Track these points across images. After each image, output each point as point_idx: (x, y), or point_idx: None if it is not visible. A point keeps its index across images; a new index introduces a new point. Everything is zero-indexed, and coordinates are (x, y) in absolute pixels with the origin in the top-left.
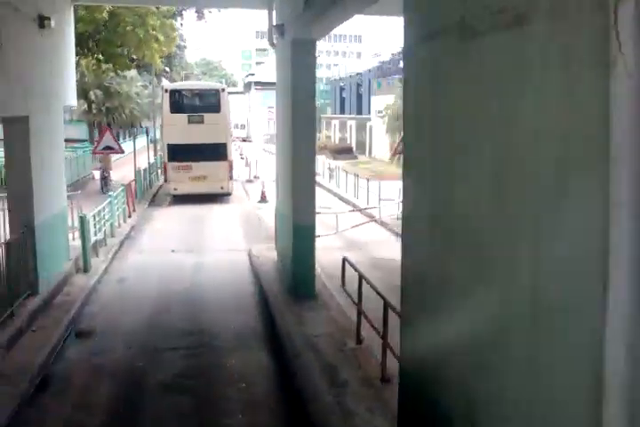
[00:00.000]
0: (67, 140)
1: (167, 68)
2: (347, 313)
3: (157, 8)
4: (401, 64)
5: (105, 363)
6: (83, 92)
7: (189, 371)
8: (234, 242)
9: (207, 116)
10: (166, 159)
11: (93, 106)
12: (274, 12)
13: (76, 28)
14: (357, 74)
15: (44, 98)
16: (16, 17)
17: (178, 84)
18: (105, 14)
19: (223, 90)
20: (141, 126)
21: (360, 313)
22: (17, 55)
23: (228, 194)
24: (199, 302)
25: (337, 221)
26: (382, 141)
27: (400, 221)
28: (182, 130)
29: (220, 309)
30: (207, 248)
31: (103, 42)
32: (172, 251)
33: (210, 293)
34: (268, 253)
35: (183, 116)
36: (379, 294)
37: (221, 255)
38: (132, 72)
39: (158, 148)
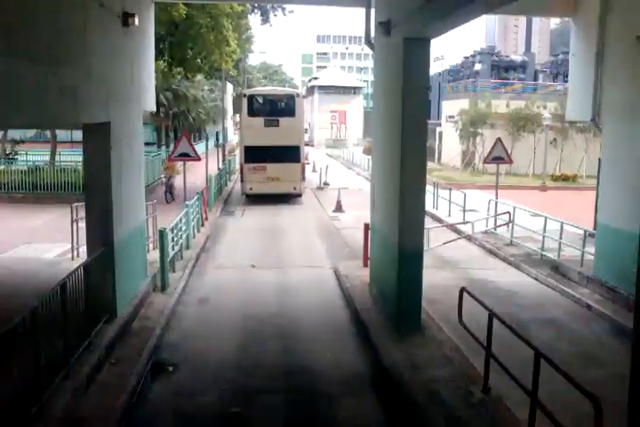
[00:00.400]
0: None
1: (233, 72)
2: (462, 350)
3: (231, 8)
4: (476, 67)
5: (195, 408)
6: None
7: (297, 424)
8: (315, 257)
9: (282, 120)
10: (243, 160)
11: (162, 109)
12: (372, 10)
13: None
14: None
15: (126, 102)
16: (100, 13)
17: (256, 90)
18: (182, 11)
19: (298, 95)
20: (205, 131)
21: (489, 358)
22: (100, 55)
23: (299, 195)
24: (290, 331)
25: (427, 237)
26: (453, 148)
27: (490, 236)
28: (259, 133)
29: (314, 340)
30: (288, 263)
31: (175, 45)
32: (252, 266)
33: (300, 320)
34: (357, 271)
35: (260, 120)
36: (521, 338)
37: (305, 273)
38: (199, 75)
39: (226, 152)
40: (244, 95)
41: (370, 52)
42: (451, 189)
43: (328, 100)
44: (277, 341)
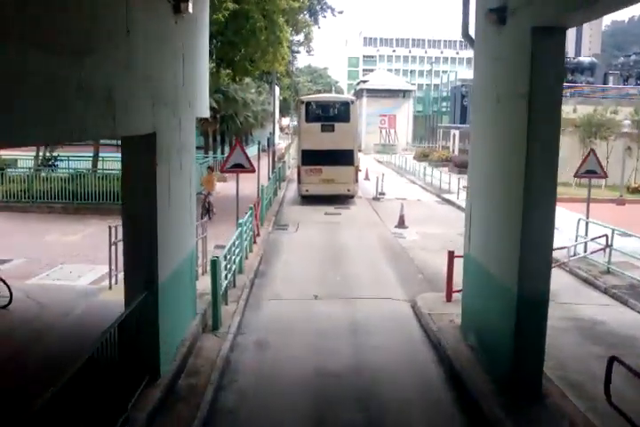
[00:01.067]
0: None
1: (282, 76)
2: None
3: (287, 3)
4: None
5: None
6: None
7: None
8: (385, 284)
9: (338, 125)
10: (300, 163)
11: (210, 113)
12: None
13: None
14: None
15: (176, 107)
16: None
17: (313, 97)
18: (230, 5)
19: (353, 102)
20: (251, 135)
21: None
22: (145, 47)
23: (352, 196)
24: (373, 395)
25: None
26: None
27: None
28: (315, 137)
29: (405, 412)
30: (354, 292)
31: (225, 44)
32: (315, 297)
33: (383, 379)
34: (441, 308)
35: (317, 125)
36: None
37: (376, 306)
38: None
39: (276, 158)
40: (302, 102)
41: (418, 53)
42: None
43: (377, 104)
44: (359, 410)
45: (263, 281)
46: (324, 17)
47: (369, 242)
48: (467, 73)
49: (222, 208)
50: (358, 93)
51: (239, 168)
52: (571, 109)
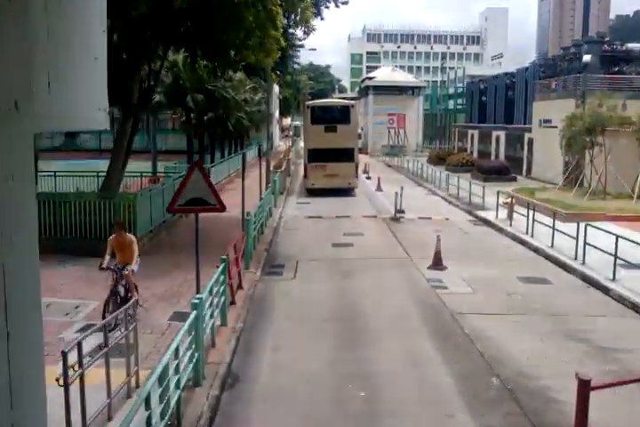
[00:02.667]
0: (166, 152)
1: (279, 72)
2: None
3: None
4: (585, 58)
5: None
6: (178, 98)
7: None
8: (440, 406)
9: (340, 127)
10: (306, 160)
11: (193, 115)
12: None
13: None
14: (507, 74)
15: None
16: None
17: (317, 102)
18: None
19: (353, 106)
20: (248, 137)
21: None
22: None
23: (353, 189)
24: None
25: None
26: (549, 160)
27: None
28: (320, 137)
29: None
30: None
31: (200, 27)
32: None
33: None
34: None
35: (321, 127)
36: None
37: None
38: (240, 74)
39: (272, 165)
40: (308, 106)
41: (423, 49)
42: (584, 225)
43: (384, 102)
44: None
45: (233, 407)
46: (327, 8)
47: (397, 301)
48: (475, 69)
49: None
50: (363, 91)
51: (199, 206)
52: (619, 105)
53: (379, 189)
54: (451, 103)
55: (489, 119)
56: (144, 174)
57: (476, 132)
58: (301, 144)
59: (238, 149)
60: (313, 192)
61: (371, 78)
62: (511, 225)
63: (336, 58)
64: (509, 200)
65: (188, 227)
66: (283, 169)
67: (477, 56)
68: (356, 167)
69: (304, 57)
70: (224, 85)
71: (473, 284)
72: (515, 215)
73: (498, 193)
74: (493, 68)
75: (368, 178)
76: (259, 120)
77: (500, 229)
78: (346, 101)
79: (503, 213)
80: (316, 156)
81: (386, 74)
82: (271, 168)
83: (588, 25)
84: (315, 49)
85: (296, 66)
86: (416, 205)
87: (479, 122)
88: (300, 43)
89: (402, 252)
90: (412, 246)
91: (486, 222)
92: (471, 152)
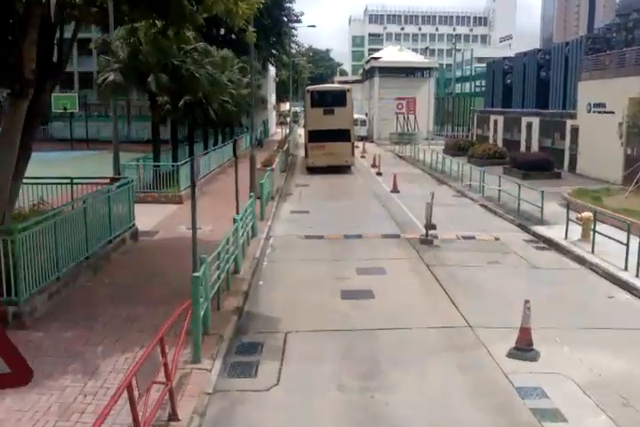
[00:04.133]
0: (128, 142)
1: (275, 51)
2: None
3: None
4: None
5: None
6: (139, 77)
7: None
8: None
9: (336, 110)
10: (307, 141)
11: (162, 99)
12: None
13: None
14: (539, 50)
15: None
16: None
17: (316, 87)
18: None
19: (348, 90)
20: (241, 124)
21: None
22: None
23: (349, 166)
24: None
25: None
26: (603, 152)
27: None
28: (319, 119)
29: None
30: None
31: None
32: None
33: None
34: None
35: (320, 110)
36: None
37: None
38: (226, 51)
39: (260, 162)
40: (307, 91)
41: (428, 31)
42: None
43: (391, 85)
44: None
45: None
46: None
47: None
48: (483, 51)
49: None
50: (368, 73)
51: None
52: None
53: (395, 190)
54: (459, 87)
55: (516, 103)
56: (75, 181)
57: (500, 119)
58: (299, 131)
59: (227, 138)
60: (313, 171)
61: (376, 59)
62: (593, 252)
63: (336, 42)
64: (586, 216)
65: (137, 260)
66: (274, 167)
67: (485, 38)
68: (352, 146)
69: (302, 38)
70: (201, 63)
71: (604, 402)
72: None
73: (567, 207)
74: (502, 49)
75: (379, 174)
76: (249, 105)
77: (580, 260)
78: (342, 86)
79: (572, 228)
80: (315, 136)
81: (393, 54)
82: (259, 166)
83: (595, 10)
84: (314, 26)
85: (294, 46)
86: (447, 215)
87: (503, 106)
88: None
89: (453, 311)
90: (466, 297)
91: (553, 245)
92: (494, 141)
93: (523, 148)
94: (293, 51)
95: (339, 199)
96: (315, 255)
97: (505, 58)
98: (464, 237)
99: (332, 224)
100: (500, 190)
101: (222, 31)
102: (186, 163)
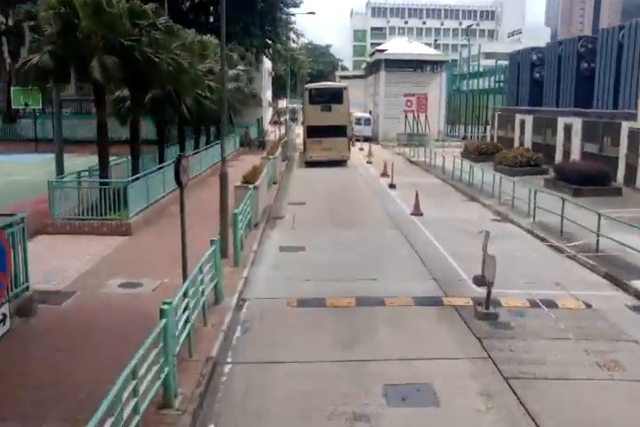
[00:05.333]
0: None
1: (270, 40)
2: None
3: None
4: None
5: None
6: (77, 61)
7: None
8: None
9: (334, 106)
10: (305, 136)
11: (120, 93)
12: None
13: None
14: (581, 38)
15: None
16: None
17: (314, 85)
18: None
19: (345, 88)
20: (233, 123)
21: None
22: None
23: (345, 161)
24: None
25: None
26: None
27: None
28: (317, 116)
29: None
30: None
31: None
32: None
33: None
34: None
35: (317, 107)
36: None
37: None
38: (207, 37)
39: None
40: (306, 89)
41: (433, 24)
42: None
43: (399, 80)
44: None
45: None
46: None
47: None
48: (490, 46)
49: None
50: (372, 67)
51: None
52: None
53: (416, 212)
54: (467, 84)
55: (548, 101)
56: None
57: (528, 119)
58: (298, 130)
59: (212, 140)
60: (312, 165)
61: (382, 51)
62: None
63: (336, 39)
64: None
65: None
66: (257, 184)
67: (492, 33)
68: (349, 142)
69: (300, 27)
70: (167, 46)
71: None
72: None
73: None
74: (511, 44)
75: (392, 187)
76: (238, 100)
77: None
78: (339, 84)
79: None
80: (313, 132)
81: (400, 45)
82: (239, 182)
83: (600, 10)
84: (313, 13)
85: (292, 36)
86: (497, 254)
87: (531, 104)
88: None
89: None
90: None
91: None
92: (521, 144)
93: (559, 154)
94: (293, 45)
95: (345, 226)
96: (311, 348)
97: (533, 48)
98: (539, 303)
99: (338, 273)
100: (562, 217)
101: (211, 19)
102: (138, 179)
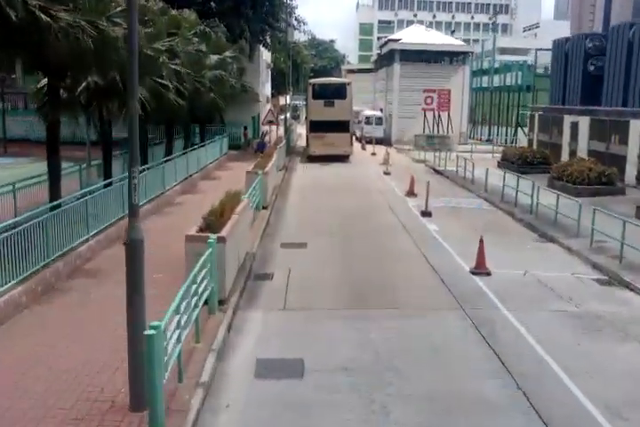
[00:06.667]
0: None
1: (268, 26)
2: None
3: None
4: None
5: None
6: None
7: None
8: None
9: (336, 102)
10: (308, 132)
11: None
12: None
13: None
14: None
15: None
16: None
17: (318, 80)
18: None
19: (349, 84)
20: (223, 122)
21: None
22: None
23: (347, 156)
24: None
25: None
26: None
27: None
28: (320, 111)
29: None
30: None
31: None
32: None
33: None
34: None
35: (321, 102)
36: None
37: None
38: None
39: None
40: (310, 84)
41: (444, 18)
42: None
43: (416, 73)
44: None
45: None
46: None
47: None
48: (504, 41)
49: None
50: (384, 59)
51: None
52: None
53: (481, 269)
54: (481, 80)
55: (611, 99)
56: None
57: (583, 121)
58: (300, 130)
59: (199, 140)
60: (314, 160)
61: (396, 40)
62: None
63: (340, 35)
64: None
65: None
66: (224, 235)
67: (505, 27)
68: (351, 137)
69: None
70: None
71: None
72: None
73: None
74: (526, 39)
75: (427, 215)
76: (224, 95)
77: None
78: (342, 80)
79: None
80: (316, 127)
81: (417, 34)
82: (201, 219)
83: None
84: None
85: (294, 21)
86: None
87: (584, 102)
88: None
89: None
90: None
91: None
92: (572, 153)
93: (631, 168)
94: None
95: (374, 302)
96: None
97: (588, 35)
98: None
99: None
100: None
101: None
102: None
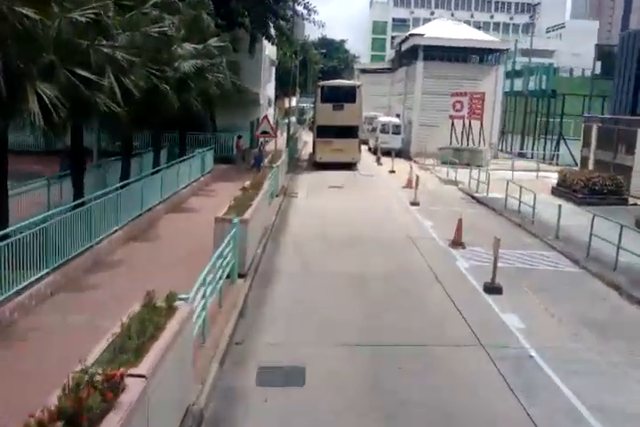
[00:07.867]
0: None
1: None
2: None
3: None
4: None
5: None
6: None
7: None
8: None
9: (346, 106)
10: (315, 136)
11: None
12: None
13: None
14: None
15: None
16: None
17: (327, 82)
18: None
19: (359, 86)
20: (215, 129)
21: None
22: None
23: (355, 164)
24: None
25: None
26: None
27: None
28: (328, 115)
29: None
30: None
31: None
32: None
33: None
34: None
35: (329, 105)
36: None
37: None
38: None
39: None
40: (318, 86)
41: (462, 17)
42: None
43: (442, 74)
44: None
45: None
46: None
47: None
48: (526, 43)
49: None
50: (404, 57)
51: None
52: None
53: None
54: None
55: None
56: None
57: None
58: (306, 138)
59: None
60: (320, 167)
61: (418, 35)
62: None
63: (351, 36)
64: None
65: None
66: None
67: (527, 27)
68: (359, 144)
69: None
70: None
71: None
72: None
73: None
74: (550, 40)
75: (493, 291)
76: (207, 97)
77: None
78: (352, 82)
79: None
80: (324, 132)
81: (443, 28)
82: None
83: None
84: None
85: (303, 11)
86: None
87: None
88: None
89: None
90: None
91: None
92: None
93: None
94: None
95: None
96: None
97: None
98: None
99: None
100: None
101: None
102: None
